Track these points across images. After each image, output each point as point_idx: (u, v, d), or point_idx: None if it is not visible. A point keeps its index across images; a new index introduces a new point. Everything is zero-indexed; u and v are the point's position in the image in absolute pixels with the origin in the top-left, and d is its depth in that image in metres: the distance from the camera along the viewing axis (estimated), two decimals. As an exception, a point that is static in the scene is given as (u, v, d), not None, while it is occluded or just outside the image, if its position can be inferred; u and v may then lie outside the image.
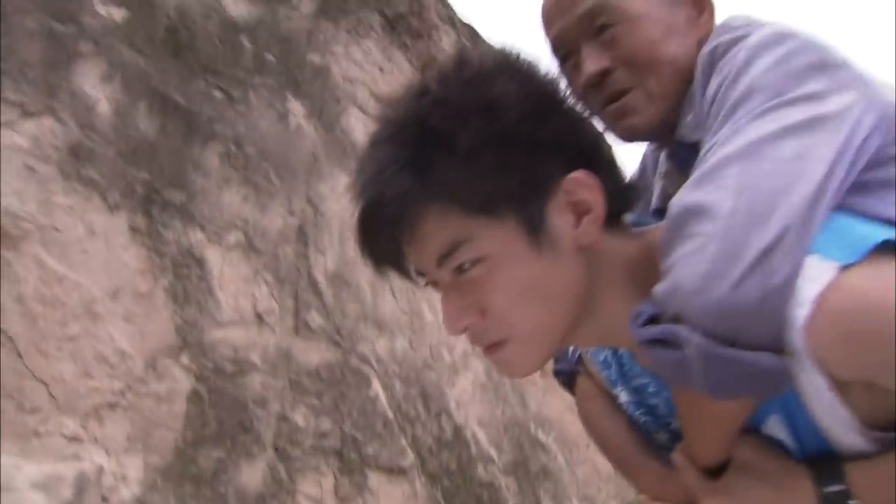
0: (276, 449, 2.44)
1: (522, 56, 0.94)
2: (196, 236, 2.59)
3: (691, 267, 0.79)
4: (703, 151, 0.92)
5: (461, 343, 3.15)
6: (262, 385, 2.48)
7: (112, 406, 2.39)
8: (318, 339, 2.66)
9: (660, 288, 0.84)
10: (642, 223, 1.02)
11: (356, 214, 0.92)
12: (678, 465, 1.02)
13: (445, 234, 0.88)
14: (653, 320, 0.84)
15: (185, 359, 2.46)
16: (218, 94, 2.89)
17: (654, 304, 0.84)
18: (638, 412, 1.17)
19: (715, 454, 0.95)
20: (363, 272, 2.88)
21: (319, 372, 2.62)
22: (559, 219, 0.91)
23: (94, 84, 2.77)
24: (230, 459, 2.38)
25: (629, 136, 1.19)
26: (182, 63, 2.89)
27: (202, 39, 3.01)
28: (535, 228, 0.88)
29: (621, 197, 0.97)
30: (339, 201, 2.86)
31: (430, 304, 3.09)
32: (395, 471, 2.67)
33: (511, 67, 0.92)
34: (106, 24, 2.88)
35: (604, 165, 0.96)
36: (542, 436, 3.30)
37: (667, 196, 1.24)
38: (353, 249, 2.97)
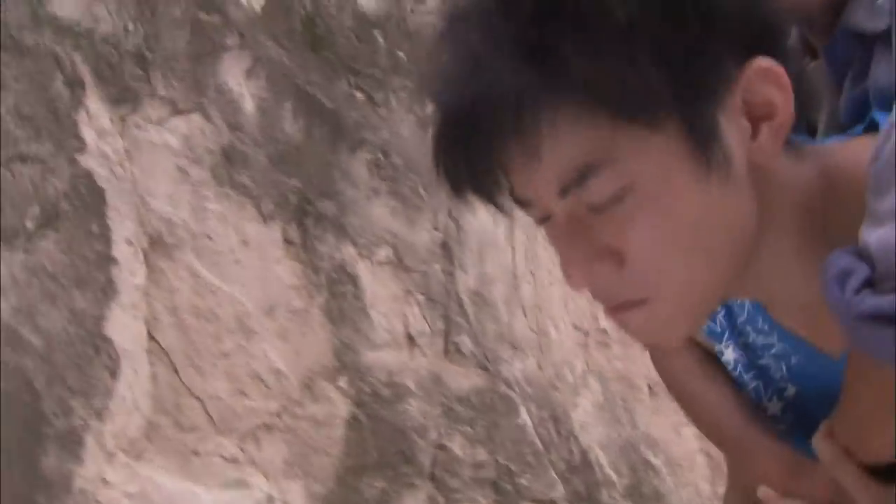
0: (434, 479, 2.38)
1: None
2: (348, 251, 2.50)
3: None
4: None
5: (580, 361, 3.09)
6: (419, 412, 2.41)
7: (269, 428, 2.32)
8: (468, 363, 2.59)
9: (881, 236, 0.58)
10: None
11: (438, 120, 0.66)
12: (825, 454, 0.76)
13: (579, 150, 0.62)
14: (868, 284, 0.59)
15: (342, 382, 2.38)
16: (360, 95, 2.78)
17: (862, 259, 0.59)
18: (747, 375, 0.93)
19: (887, 457, 0.72)
20: (500, 290, 2.80)
21: (471, 398, 2.56)
22: (733, 127, 0.65)
23: (239, 79, 2.65)
24: (392, 490, 2.32)
25: (789, 13, 0.93)
26: (322, 60, 2.78)
27: (339, 34, 2.89)
28: (706, 141, 0.63)
29: (805, 99, 0.70)
30: (476, 214, 2.77)
31: (555, 322, 3.02)
32: (546, 502, 2.62)
33: None
34: (248, 14, 2.75)
35: (786, 56, 0.69)
36: (652, 457, 3.26)
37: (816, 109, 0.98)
38: (491, 266, 2.89)
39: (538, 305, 2.98)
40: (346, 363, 2.41)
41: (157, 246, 2.33)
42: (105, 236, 2.24)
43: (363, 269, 2.53)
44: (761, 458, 0.92)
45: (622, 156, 0.62)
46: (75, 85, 2.38)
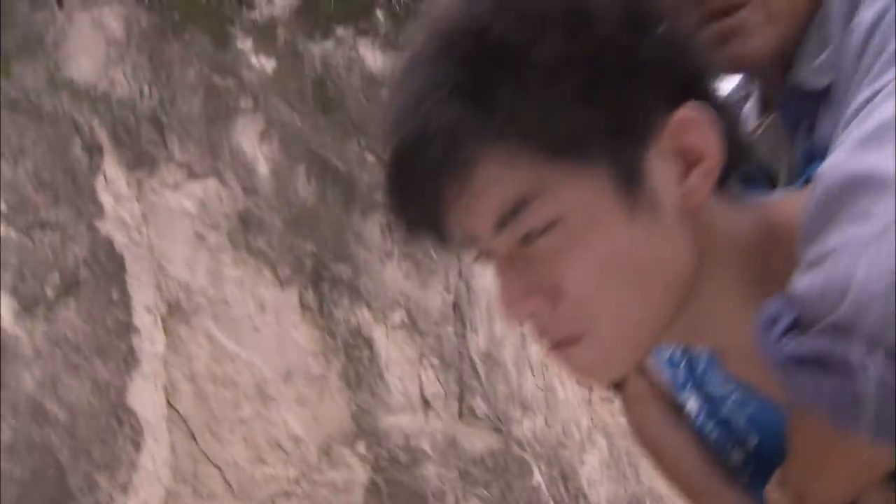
0: (452, 546, 2.38)
1: None
2: (364, 315, 2.52)
3: (868, 262, 0.55)
4: (856, 101, 0.68)
5: (585, 417, 3.11)
6: (436, 476, 2.42)
7: (287, 495, 2.31)
8: (482, 424, 2.60)
9: (808, 283, 0.59)
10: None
11: (388, 157, 0.68)
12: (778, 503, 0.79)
13: (510, 186, 0.64)
14: (794, 329, 0.60)
15: (360, 447, 2.38)
16: (371, 157, 2.80)
17: (792, 305, 0.61)
18: (708, 425, 0.94)
19: (841, 502, 0.73)
20: (509, 350, 2.82)
21: (485, 460, 2.56)
22: (661, 170, 0.67)
23: (253, 142, 2.66)
24: (411, 558, 2.31)
25: (732, 66, 0.91)
26: (333, 121, 2.81)
27: (349, 95, 2.92)
28: (631, 181, 0.65)
29: (737, 148, 0.71)
30: (485, 274, 2.79)
31: (560, 379, 3.04)
32: (561, 567, 2.63)
33: None
34: (261, 77, 2.77)
35: (717, 102, 0.71)
36: (656, 513, 3.29)
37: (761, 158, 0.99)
38: (500, 325, 2.91)
39: (544, 363, 3.01)
40: (363, 428, 2.41)
41: (174, 312, 2.33)
42: (125, 304, 2.23)
43: (378, 333, 2.54)
44: None
45: (552, 191, 0.64)
46: (93, 150, 2.38)
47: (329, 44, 3.02)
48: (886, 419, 0.56)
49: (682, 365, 0.94)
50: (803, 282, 0.60)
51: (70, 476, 1.95)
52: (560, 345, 0.69)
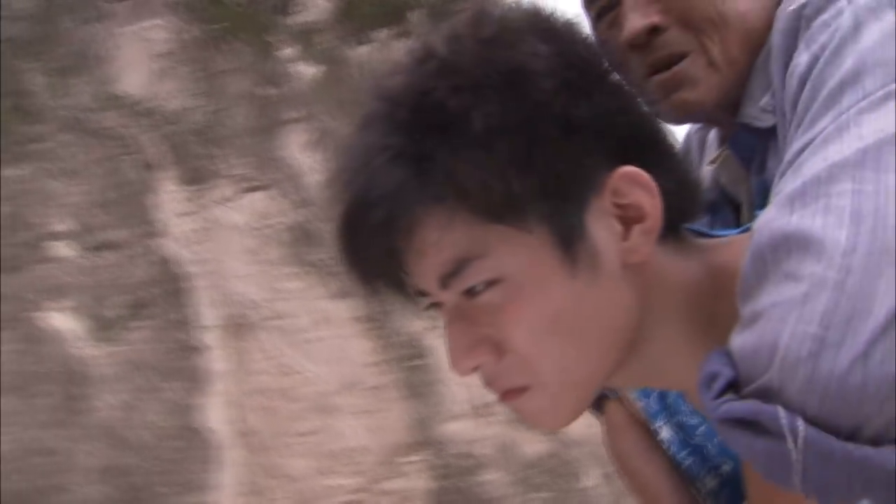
0: (513, 551, 2.43)
1: (555, 14, 0.72)
2: (419, 325, 2.54)
3: (793, 325, 0.57)
4: (791, 149, 0.69)
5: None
6: (495, 482, 2.46)
7: (353, 506, 2.35)
8: (535, 430, 2.63)
9: (741, 342, 0.62)
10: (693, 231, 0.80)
11: (337, 217, 0.71)
12: None
13: (451, 247, 0.67)
14: (732, 387, 0.62)
15: (421, 456, 2.42)
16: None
17: (729, 363, 0.62)
18: (682, 453, 0.96)
19: None
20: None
21: (540, 464, 2.60)
22: (601, 229, 0.68)
23: (301, 153, 2.67)
24: (476, 564, 2.36)
25: (680, 115, 0.93)
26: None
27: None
28: (570, 241, 0.67)
29: (682, 201, 0.73)
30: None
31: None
32: (615, 569, 2.68)
33: (541, 26, 0.70)
34: (306, 86, 2.78)
35: (660, 158, 0.73)
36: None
37: (718, 188, 1.02)
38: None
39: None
40: (423, 437, 2.45)
41: (237, 328, 2.36)
42: (191, 322, 2.26)
43: (432, 341, 2.57)
44: None
45: (492, 252, 0.66)
46: (148, 166, 2.39)
47: (366, 49, 3.02)
48: (814, 479, 0.58)
49: (653, 395, 0.96)
50: (738, 340, 0.62)
51: (151, 499, 1.98)
52: (507, 395, 0.71)
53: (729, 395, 0.62)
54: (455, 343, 0.71)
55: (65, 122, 2.41)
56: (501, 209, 0.66)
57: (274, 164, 2.63)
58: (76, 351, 2.08)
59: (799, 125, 0.70)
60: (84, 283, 2.18)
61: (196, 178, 2.51)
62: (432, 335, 2.60)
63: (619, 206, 0.69)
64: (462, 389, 2.57)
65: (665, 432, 0.96)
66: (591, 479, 2.79)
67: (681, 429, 0.95)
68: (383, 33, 3.07)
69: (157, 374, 2.14)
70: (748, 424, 0.60)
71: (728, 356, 0.63)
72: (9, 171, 2.24)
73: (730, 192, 1.01)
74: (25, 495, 1.86)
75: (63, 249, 2.14)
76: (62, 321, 2.09)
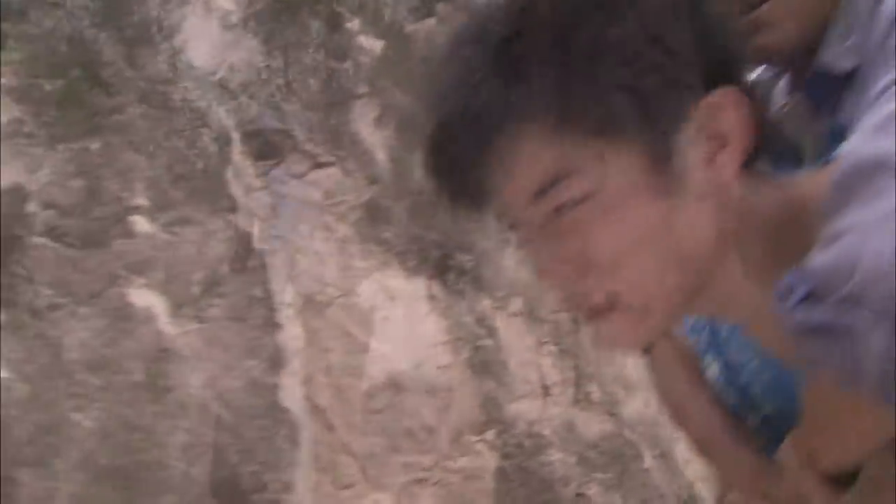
0: (578, 530, 2.47)
1: None
2: (485, 304, 2.56)
3: (881, 237, 0.60)
4: (877, 86, 0.73)
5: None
6: (560, 462, 2.49)
7: (421, 482, 2.38)
8: (596, 409, 2.67)
9: (822, 259, 0.64)
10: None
11: (430, 130, 0.72)
12: (788, 465, 0.84)
13: (547, 162, 0.69)
14: (809, 299, 0.65)
15: (489, 435, 2.45)
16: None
17: (808, 278, 0.65)
18: (727, 390, 1.00)
19: (848, 463, 0.77)
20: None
21: (601, 444, 2.64)
22: (690, 150, 0.70)
23: (370, 129, 2.66)
24: (541, 542, 2.41)
25: (759, 59, 0.96)
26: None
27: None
28: (661, 160, 0.69)
29: (765, 131, 0.75)
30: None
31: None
32: (675, 546, 2.73)
33: None
34: (373, 60, 2.75)
35: (748, 86, 0.75)
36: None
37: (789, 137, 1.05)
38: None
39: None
40: (491, 416, 2.48)
41: (309, 306, 2.37)
42: (267, 300, 2.27)
43: (500, 322, 2.59)
44: (741, 466, 0.98)
45: (586, 168, 0.69)
46: (221, 140, 2.38)
47: (432, 21, 2.99)
48: (888, 384, 0.61)
49: (705, 331, 0.99)
50: (819, 258, 0.64)
51: (241, 477, 2.01)
52: (593, 313, 0.74)
53: (803, 305, 0.65)
54: (544, 258, 0.73)
55: (140, 94, 2.39)
56: (599, 126, 0.68)
57: (343, 140, 2.61)
58: (158, 327, 2.09)
59: (886, 63, 0.75)
60: (163, 260, 2.19)
61: (268, 152, 2.51)
62: (500, 315, 2.62)
63: (708, 129, 0.71)
64: (526, 369, 2.60)
65: (713, 368, 0.98)
66: (649, 459, 2.83)
67: (728, 366, 0.97)
68: (447, 7, 3.03)
69: (239, 351, 2.15)
70: (826, 331, 0.63)
71: (804, 273, 0.65)
72: (86, 144, 2.24)
73: (793, 141, 1.02)
74: (125, 471, 1.89)
75: (142, 225, 2.14)
76: (144, 297, 2.10)
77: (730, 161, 0.71)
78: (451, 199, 0.77)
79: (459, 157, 0.71)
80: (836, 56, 0.91)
